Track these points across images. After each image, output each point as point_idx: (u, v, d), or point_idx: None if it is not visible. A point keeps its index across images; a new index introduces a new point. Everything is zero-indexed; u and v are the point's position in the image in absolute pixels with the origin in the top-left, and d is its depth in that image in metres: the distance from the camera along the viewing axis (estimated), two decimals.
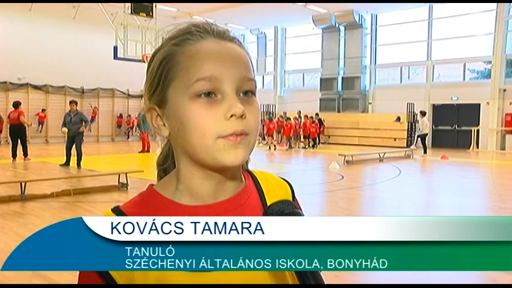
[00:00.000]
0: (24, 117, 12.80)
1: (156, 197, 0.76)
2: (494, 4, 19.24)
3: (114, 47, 16.70)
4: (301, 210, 0.85)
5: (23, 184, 7.16)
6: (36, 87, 20.29)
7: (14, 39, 19.29)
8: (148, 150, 16.00)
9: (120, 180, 8.29)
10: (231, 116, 0.69)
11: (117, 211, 0.74)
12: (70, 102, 11.31)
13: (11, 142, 13.00)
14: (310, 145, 19.45)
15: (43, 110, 20.68)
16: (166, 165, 0.83)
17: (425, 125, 16.79)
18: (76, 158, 10.85)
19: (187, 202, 0.75)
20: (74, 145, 10.95)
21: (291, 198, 0.85)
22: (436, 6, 21.02)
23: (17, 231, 5.36)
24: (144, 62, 17.18)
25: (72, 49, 20.81)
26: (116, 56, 16.84)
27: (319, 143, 20.11)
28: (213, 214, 0.73)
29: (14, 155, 12.62)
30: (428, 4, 20.85)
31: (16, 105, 12.92)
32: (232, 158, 0.70)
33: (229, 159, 0.70)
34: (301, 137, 19.51)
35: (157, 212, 0.73)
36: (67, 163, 11.02)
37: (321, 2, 19.69)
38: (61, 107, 21.05)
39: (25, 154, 12.73)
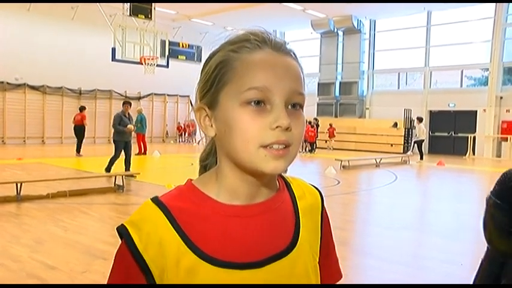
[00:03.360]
0: (85, 119, 15.76)
1: (195, 192, 0.78)
2: (492, 12, 19.35)
3: (112, 49, 16.67)
4: (328, 220, 0.88)
5: (18, 185, 7.12)
6: (33, 87, 20.24)
7: (12, 40, 19.25)
8: (145, 153, 15.98)
9: (116, 182, 8.27)
10: (277, 127, 0.71)
11: (158, 202, 0.76)
12: (124, 103, 10.49)
13: (76, 140, 15.78)
14: (307, 149, 19.46)
15: None
16: (208, 162, 0.85)
17: (422, 131, 16.84)
18: (125, 163, 10.12)
19: (225, 200, 0.77)
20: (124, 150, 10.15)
21: (320, 206, 0.87)
22: (435, 12, 21.13)
23: (11, 232, 5.33)
24: (142, 64, 17.18)
25: (70, 50, 20.78)
26: (114, 58, 16.80)
27: (315, 148, 20.12)
28: (250, 215, 0.77)
29: (78, 151, 15.37)
30: (426, 10, 20.95)
31: (81, 109, 16.09)
32: (272, 168, 0.73)
33: (269, 168, 0.72)
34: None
35: (196, 207, 0.76)
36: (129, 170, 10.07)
37: (319, 1, 19.69)
38: (58, 108, 21.03)
39: (78, 150, 15.32)
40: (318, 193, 0.89)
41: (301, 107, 0.76)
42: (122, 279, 0.75)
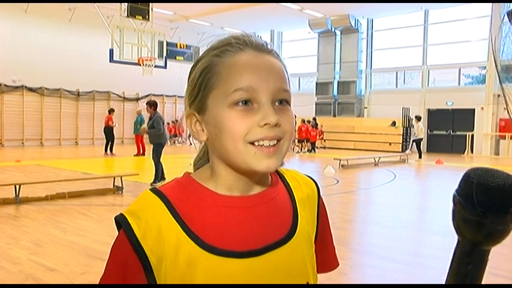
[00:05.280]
0: (111, 121, 16.68)
1: (193, 183, 0.80)
2: (489, 10, 19.36)
3: (110, 50, 16.68)
4: (325, 209, 0.90)
5: (17, 187, 7.11)
6: (31, 89, 20.22)
7: (9, 41, 19.22)
8: (143, 154, 15.96)
9: (115, 183, 8.26)
10: (265, 124, 0.73)
11: (157, 192, 0.77)
12: (146, 104, 9.45)
13: (105, 140, 16.75)
14: (307, 149, 19.48)
15: None
16: (199, 165, 0.87)
17: (420, 130, 16.85)
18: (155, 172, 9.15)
19: (223, 192, 0.79)
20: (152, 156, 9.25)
21: (316, 195, 0.89)
22: (432, 11, 21.15)
23: (11, 234, 5.33)
24: (140, 65, 17.17)
25: (68, 51, 20.76)
26: (111, 59, 16.81)
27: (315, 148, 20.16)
28: (248, 205, 0.79)
29: (106, 150, 16.24)
30: (424, 9, 20.97)
31: (109, 111, 17.19)
32: (265, 166, 0.75)
33: (262, 167, 0.74)
34: (298, 140, 19.53)
35: (195, 198, 0.78)
36: (158, 179, 9.00)
37: (317, 1, 19.70)
38: (56, 110, 21.01)
39: (110, 150, 16.23)
40: (313, 183, 0.91)
41: (288, 102, 0.78)
42: (118, 268, 0.75)
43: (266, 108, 0.74)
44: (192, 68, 0.81)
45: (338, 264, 0.93)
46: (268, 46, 0.79)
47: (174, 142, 23.87)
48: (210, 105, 0.76)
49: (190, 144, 0.88)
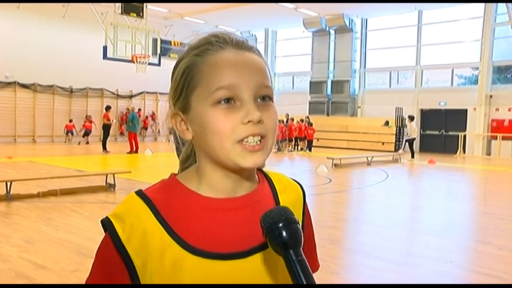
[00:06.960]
0: (106, 118, 16.87)
1: (178, 186, 0.80)
2: (482, 11, 19.49)
3: (103, 47, 16.60)
4: (309, 214, 0.90)
5: (8, 183, 7.06)
6: (24, 85, 20.06)
7: (2, 37, 19.01)
8: (136, 151, 15.91)
9: (108, 181, 8.22)
10: (249, 121, 0.74)
11: (141, 195, 0.78)
12: None
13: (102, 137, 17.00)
14: (300, 148, 19.48)
15: None
16: (188, 164, 0.87)
17: (413, 130, 16.92)
18: None
19: (208, 194, 0.79)
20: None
21: (302, 200, 0.90)
22: (426, 12, 21.24)
23: (1, 231, 5.29)
24: (133, 62, 17.11)
25: (61, 48, 20.60)
26: (105, 56, 16.73)
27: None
28: (233, 208, 0.79)
29: (104, 148, 16.29)
30: (417, 10, 21.06)
31: (106, 108, 17.33)
32: (251, 162, 0.76)
33: (248, 163, 0.75)
34: (288, 139, 19.51)
35: (179, 201, 0.78)
36: None
37: (312, 1, 19.70)
38: (49, 107, 20.88)
39: (104, 147, 16.21)
40: (299, 188, 0.92)
41: (271, 98, 0.79)
42: (103, 271, 0.75)
43: (248, 105, 0.75)
44: (174, 68, 0.81)
45: (319, 266, 0.94)
46: (249, 43, 0.80)
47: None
48: (194, 104, 0.77)
49: (169, 141, 0.88)
